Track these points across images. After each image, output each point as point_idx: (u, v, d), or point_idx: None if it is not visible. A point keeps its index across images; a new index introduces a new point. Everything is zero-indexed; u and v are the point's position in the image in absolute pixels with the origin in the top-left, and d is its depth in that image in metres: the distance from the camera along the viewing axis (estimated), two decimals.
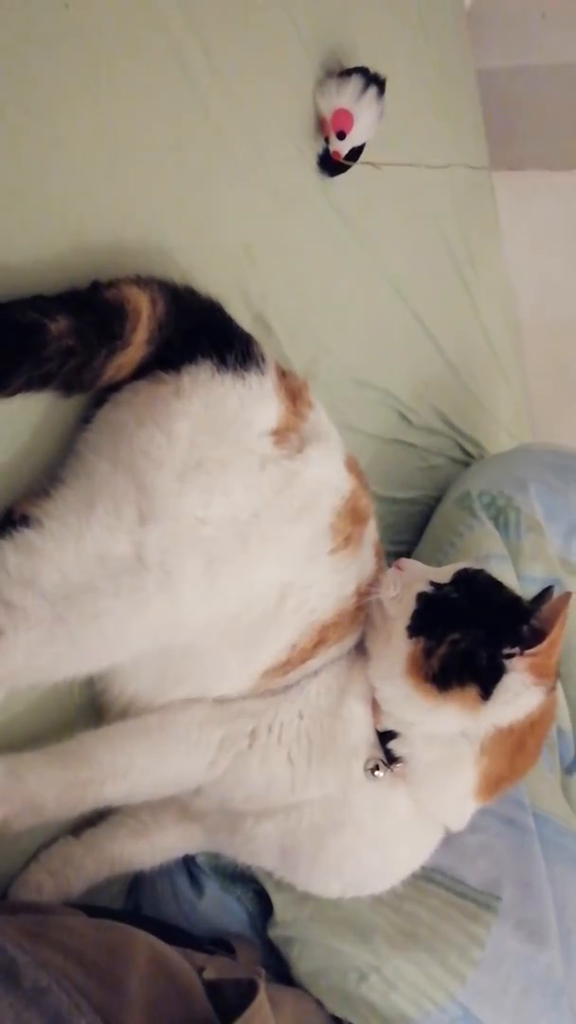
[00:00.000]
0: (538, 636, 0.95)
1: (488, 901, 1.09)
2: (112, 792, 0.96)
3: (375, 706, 1.01)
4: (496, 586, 1.03)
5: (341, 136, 1.26)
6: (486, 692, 0.94)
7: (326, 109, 1.26)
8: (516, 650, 0.95)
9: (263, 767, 0.98)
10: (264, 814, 1.00)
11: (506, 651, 0.95)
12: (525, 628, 0.96)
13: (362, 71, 1.25)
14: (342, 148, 1.27)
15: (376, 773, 0.98)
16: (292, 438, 0.97)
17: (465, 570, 1.03)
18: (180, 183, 1.06)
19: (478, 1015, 1.03)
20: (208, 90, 1.08)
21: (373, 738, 1.00)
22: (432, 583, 1.01)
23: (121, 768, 0.95)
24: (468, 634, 0.95)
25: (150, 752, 0.96)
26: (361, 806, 0.99)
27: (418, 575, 1.03)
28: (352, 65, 1.29)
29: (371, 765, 0.99)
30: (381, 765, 0.99)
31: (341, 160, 1.28)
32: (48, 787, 0.92)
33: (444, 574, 1.03)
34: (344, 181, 1.35)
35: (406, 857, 1.05)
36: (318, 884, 1.04)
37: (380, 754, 0.99)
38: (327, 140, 1.28)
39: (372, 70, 1.27)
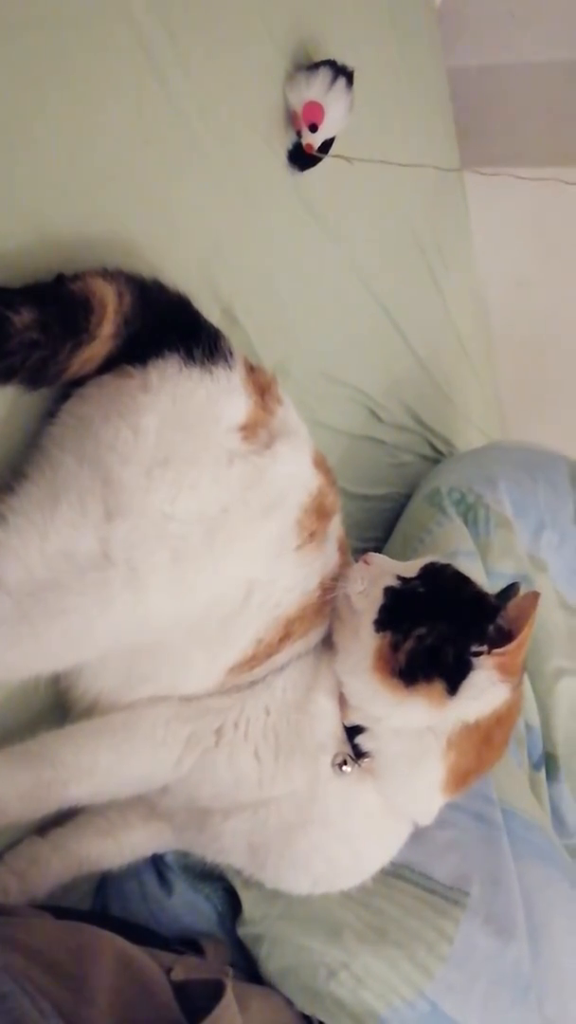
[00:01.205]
0: (506, 636, 0.96)
1: (456, 896, 1.09)
2: (77, 792, 0.95)
3: (342, 701, 1.00)
4: (463, 580, 1.03)
5: (313, 128, 1.25)
6: (452, 688, 0.94)
7: (296, 102, 1.25)
8: (484, 648, 0.95)
9: (230, 764, 0.97)
10: (232, 811, 1.00)
11: (474, 649, 0.95)
12: (492, 627, 0.96)
13: (330, 63, 1.25)
14: (315, 140, 1.27)
15: (344, 768, 0.98)
16: (261, 433, 0.96)
17: (432, 564, 1.03)
18: (148, 177, 1.05)
19: (446, 1010, 1.03)
20: (176, 85, 1.07)
21: (340, 733, 1.00)
22: (399, 577, 1.01)
23: (85, 767, 0.94)
24: (435, 629, 0.95)
25: (115, 751, 0.95)
26: (329, 801, 0.99)
27: (385, 569, 1.03)
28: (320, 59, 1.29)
29: (339, 760, 0.98)
30: (348, 760, 0.98)
31: (314, 152, 1.28)
32: (10, 789, 0.91)
33: (411, 568, 1.03)
34: (314, 176, 1.35)
35: (375, 852, 1.05)
36: (287, 881, 1.04)
37: (348, 749, 0.99)
38: (299, 133, 1.27)
39: (340, 62, 1.26)
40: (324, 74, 1.24)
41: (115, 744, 0.95)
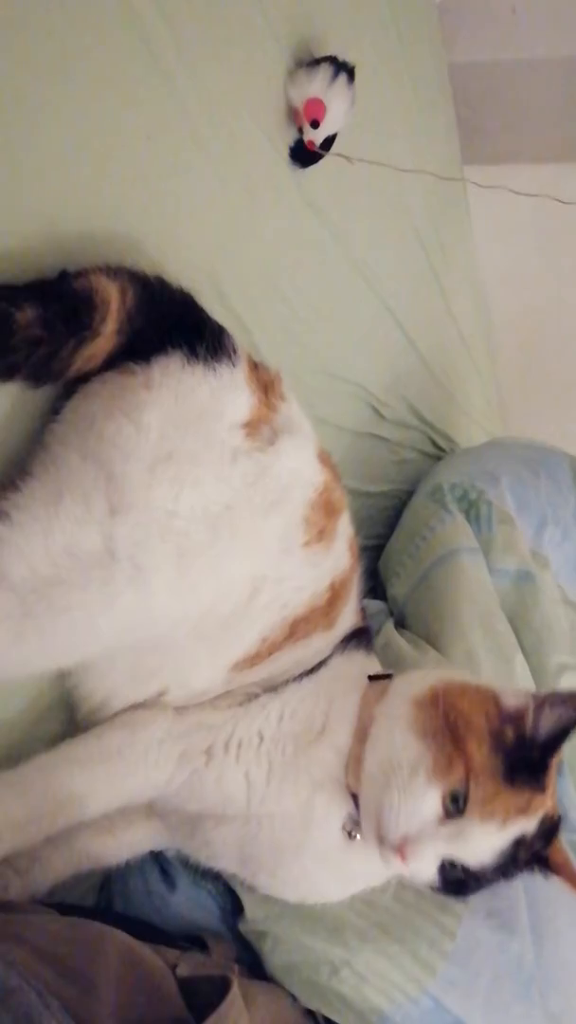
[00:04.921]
0: None
1: None
2: (67, 821, 0.95)
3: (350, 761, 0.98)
4: None
5: (315, 125, 1.25)
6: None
7: (298, 99, 1.25)
8: None
9: (218, 785, 0.97)
10: (223, 820, 1.00)
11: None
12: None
13: (331, 59, 1.25)
14: (317, 137, 1.26)
15: (353, 836, 0.97)
16: (264, 430, 0.96)
17: None
18: (151, 174, 1.05)
19: (449, 1006, 1.03)
20: (179, 81, 1.06)
21: (341, 777, 0.98)
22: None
23: (78, 796, 0.94)
24: None
25: (109, 780, 0.96)
26: (324, 842, 0.98)
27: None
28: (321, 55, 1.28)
29: (348, 828, 0.97)
30: (356, 829, 0.97)
31: (316, 149, 1.28)
32: (2, 820, 0.91)
33: None
34: (315, 173, 1.35)
35: (369, 876, 1.03)
36: (277, 893, 1.04)
37: (353, 810, 0.97)
38: (301, 130, 1.27)
39: (341, 58, 1.26)
40: (325, 70, 1.24)
41: (109, 773, 0.95)
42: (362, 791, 0.95)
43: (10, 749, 0.96)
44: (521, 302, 2.43)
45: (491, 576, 1.40)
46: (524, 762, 0.93)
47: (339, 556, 1.05)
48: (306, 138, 1.27)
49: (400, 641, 1.35)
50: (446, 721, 0.93)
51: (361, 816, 0.95)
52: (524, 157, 2.09)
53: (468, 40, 2.10)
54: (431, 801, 0.90)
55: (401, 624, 1.45)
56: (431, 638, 1.36)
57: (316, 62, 1.26)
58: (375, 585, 1.57)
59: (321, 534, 1.00)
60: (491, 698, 0.96)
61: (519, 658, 1.33)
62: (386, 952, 1.05)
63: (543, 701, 0.95)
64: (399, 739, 0.93)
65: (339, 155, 1.32)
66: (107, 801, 0.97)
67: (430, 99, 1.91)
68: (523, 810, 0.93)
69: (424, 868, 0.92)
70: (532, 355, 2.50)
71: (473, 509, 1.48)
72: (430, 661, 1.30)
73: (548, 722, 0.94)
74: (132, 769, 0.96)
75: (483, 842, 0.92)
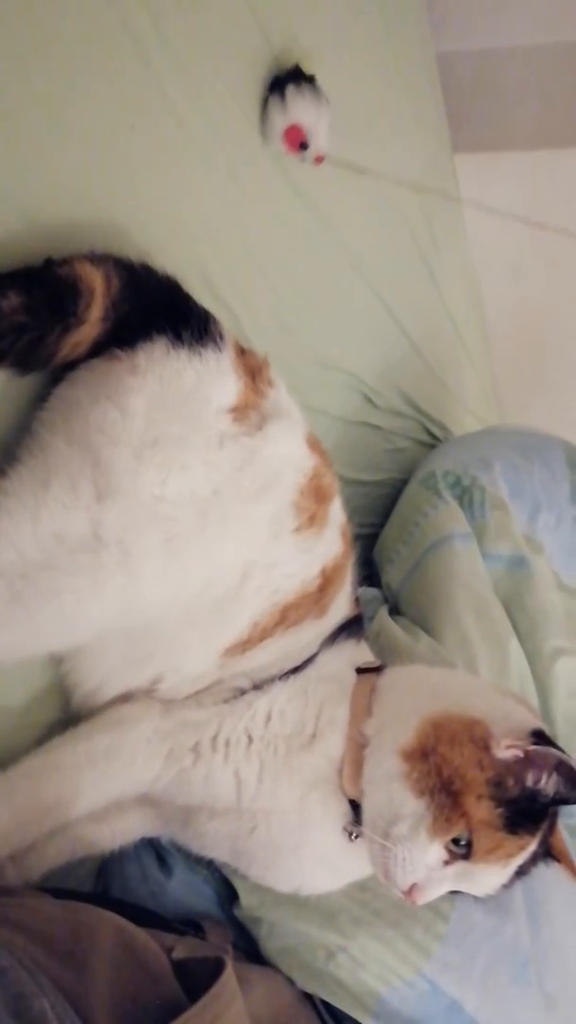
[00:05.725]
0: None
1: None
2: (54, 823, 0.95)
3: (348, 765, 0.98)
4: None
5: (304, 147, 1.26)
6: None
7: (275, 138, 1.25)
8: None
9: (206, 783, 0.97)
10: (216, 814, 1.00)
11: None
12: None
13: (280, 80, 1.23)
14: (318, 151, 1.27)
15: (353, 838, 0.97)
16: (252, 415, 0.96)
17: None
18: (137, 162, 1.05)
19: (445, 988, 1.04)
20: (161, 69, 1.06)
21: (332, 777, 0.98)
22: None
23: (66, 800, 0.94)
24: None
25: (97, 783, 0.96)
26: (323, 842, 0.98)
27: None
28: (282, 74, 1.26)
29: (350, 830, 0.97)
30: (356, 830, 0.97)
31: (323, 162, 1.30)
32: None
33: None
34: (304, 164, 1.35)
35: (365, 869, 1.02)
36: (271, 884, 1.05)
37: (348, 810, 0.97)
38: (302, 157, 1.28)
39: (285, 71, 1.25)
40: (274, 101, 1.23)
41: (97, 776, 0.95)
42: (365, 833, 0.95)
43: (3, 737, 0.97)
44: (515, 290, 2.42)
45: (485, 561, 1.40)
46: (526, 813, 0.93)
47: (330, 542, 1.05)
48: (308, 161, 1.28)
49: (394, 628, 1.35)
50: (440, 777, 0.91)
51: (368, 857, 0.95)
52: (515, 145, 2.09)
53: (457, 29, 2.09)
54: (434, 852, 0.91)
55: (396, 611, 1.45)
56: (425, 624, 1.36)
57: (276, 84, 1.24)
58: (370, 573, 1.57)
59: (312, 520, 1.00)
60: (482, 742, 0.93)
61: (514, 643, 1.33)
62: (381, 936, 1.06)
63: (543, 758, 0.92)
64: (396, 795, 0.92)
65: (352, 168, 1.33)
66: (95, 801, 0.97)
67: (420, 89, 1.90)
68: (525, 847, 0.94)
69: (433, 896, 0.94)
70: (528, 344, 2.49)
71: (466, 495, 1.48)
72: (424, 647, 1.30)
73: (553, 785, 0.92)
74: (120, 771, 0.96)
75: (488, 880, 0.94)
